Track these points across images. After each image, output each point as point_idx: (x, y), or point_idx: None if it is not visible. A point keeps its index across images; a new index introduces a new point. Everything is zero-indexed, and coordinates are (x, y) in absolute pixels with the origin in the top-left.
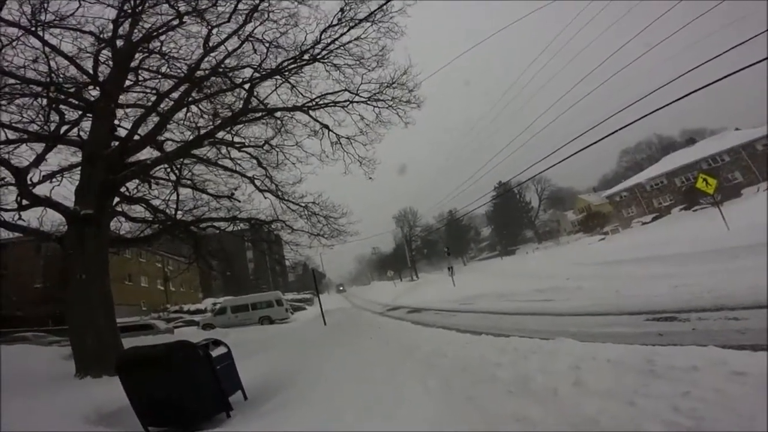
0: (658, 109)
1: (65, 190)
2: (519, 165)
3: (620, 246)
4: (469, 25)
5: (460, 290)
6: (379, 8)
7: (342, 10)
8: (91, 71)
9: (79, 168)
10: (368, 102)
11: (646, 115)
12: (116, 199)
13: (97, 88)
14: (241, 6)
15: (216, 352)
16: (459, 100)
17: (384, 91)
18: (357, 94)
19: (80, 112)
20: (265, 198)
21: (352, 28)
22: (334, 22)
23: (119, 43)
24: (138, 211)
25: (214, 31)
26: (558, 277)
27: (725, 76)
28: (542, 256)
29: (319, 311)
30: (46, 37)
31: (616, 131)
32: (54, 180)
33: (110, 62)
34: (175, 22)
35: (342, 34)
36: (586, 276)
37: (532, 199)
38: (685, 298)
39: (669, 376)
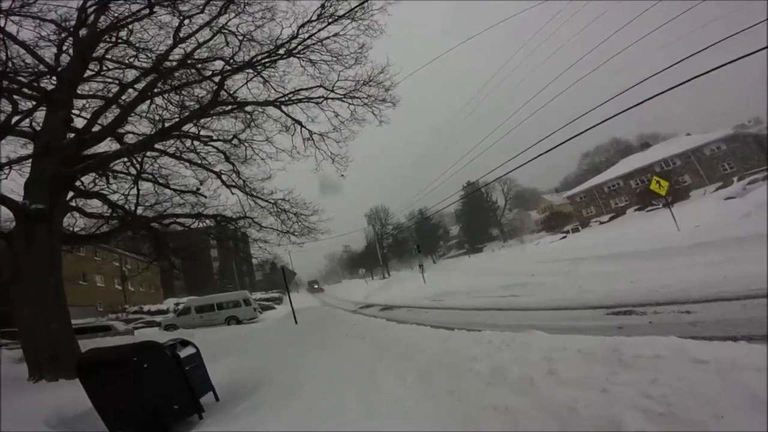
0: (615, 115)
1: (13, 184)
2: (486, 165)
3: (580, 244)
4: (445, 26)
5: (431, 287)
6: (359, 5)
7: (322, 6)
8: (49, 60)
9: (29, 160)
10: (343, 99)
11: (604, 121)
12: (70, 194)
13: (54, 77)
14: None
15: (184, 353)
16: (434, 100)
17: (360, 89)
18: (332, 91)
19: (34, 103)
20: (233, 194)
21: (331, 24)
22: (313, 18)
23: (82, 32)
24: (94, 206)
25: (186, 21)
26: (523, 274)
27: (678, 84)
28: (508, 253)
29: (289, 310)
30: (3, 24)
31: (577, 135)
32: (1, 173)
33: (71, 51)
34: (145, 12)
35: (320, 30)
36: (549, 273)
37: (498, 199)
38: (641, 293)
39: (636, 365)
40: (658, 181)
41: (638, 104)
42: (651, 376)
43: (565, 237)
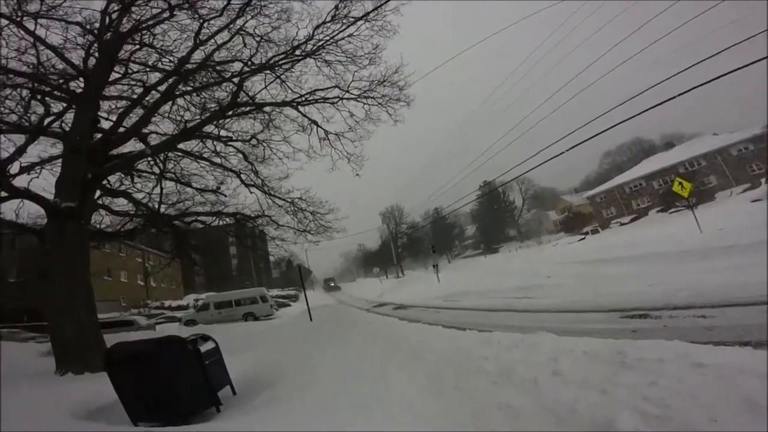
0: (639, 114)
1: (44, 183)
2: (504, 165)
3: (599, 246)
4: (461, 26)
5: (445, 287)
6: (374, 9)
7: (336, 7)
8: (76, 63)
9: (59, 160)
10: (358, 99)
11: (627, 119)
12: (98, 193)
13: (82, 79)
14: (234, 0)
15: (204, 347)
16: (448, 99)
17: (375, 89)
18: (347, 91)
19: (65, 105)
20: (251, 193)
21: (345, 25)
22: (328, 19)
23: (107, 35)
24: (120, 204)
25: (205, 24)
26: (539, 275)
27: (704, 83)
28: (524, 254)
29: (305, 307)
30: (33, 27)
31: (598, 134)
32: (33, 172)
33: (97, 54)
34: (166, 15)
35: (335, 31)
36: (566, 274)
37: (515, 199)
38: (659, 296)
39: (638, 367)
40: (680, 183)
41: (661, 103)
42: (651, 378)
43: (584, 238)
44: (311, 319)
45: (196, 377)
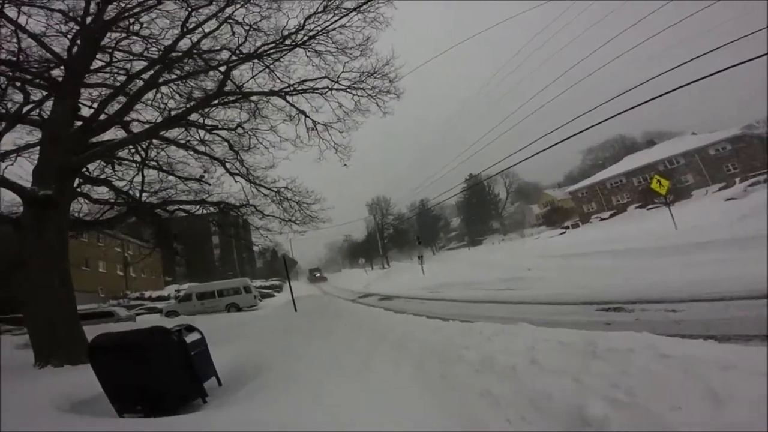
0: (621, 113)
1: (20, 171)
2: (490, 158)
3: (579, 240)
4: (454, 20)
5: (430, 279)
6: (367, 1)
7: None
8: (59, 51)
9: (37, 148)
10: (348, 90)
11: (609, 118)
12: (77, 181)
13: (62, 67)
14: None
15: (190, 338)
16: (438, 92)
17: (365, 80)
18: (337, 82)
19: (45, 93)
20: (236, 182)
21: (337, 15)
22: (320, 9)
23: (90, 21)
24: (100, 192)
25: (193, 13)
26: (521, 268)
27: (686, 84)
28: (507, 247)
29: (289, 298)
30: (16, 16)
31: (582, 131)
32: (8, 159)
33: (79, 41)
34: (153, 2)
35: (326, 22)
36: (547, 267)
37: (500, 192)
38: (633, 290)
39: (608, 358)
40: (658, 180)
41: (644, 102)
42: (620, 368)
43: (564, 232)
44: (296, 310)
45: (182, 368)
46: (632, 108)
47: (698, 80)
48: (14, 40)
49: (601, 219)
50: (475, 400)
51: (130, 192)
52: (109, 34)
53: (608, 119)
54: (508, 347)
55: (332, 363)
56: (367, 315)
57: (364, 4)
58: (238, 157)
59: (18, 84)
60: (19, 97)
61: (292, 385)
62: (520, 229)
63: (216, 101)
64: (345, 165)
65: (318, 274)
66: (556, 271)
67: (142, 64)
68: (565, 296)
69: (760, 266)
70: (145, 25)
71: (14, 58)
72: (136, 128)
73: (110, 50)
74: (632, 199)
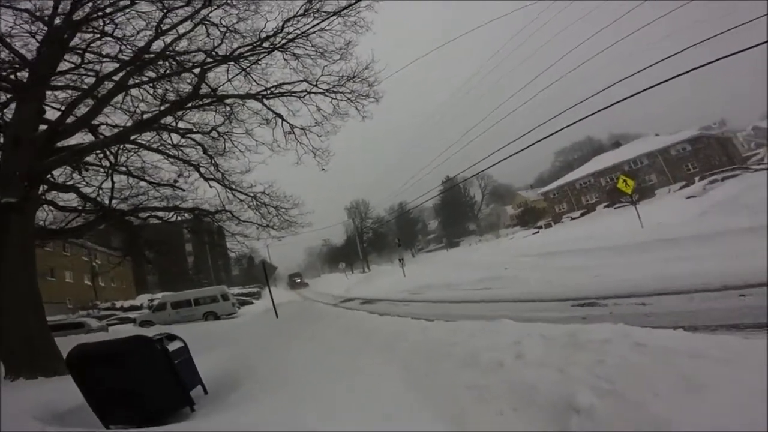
0: (588, 116)
1: None
2: (465, 161)
3: (552, 239)
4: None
5: (411, 281)
6: (348, 6)
7: (309, 0)
8: (23, 52)
9: None
10: (326, 94)
11: (577, 121)
12: (42, 187)
13: (26, 69)
14: None
15: (172, 347)
16: (416, 95)
17: (344, 84)
18: (316, 85)
19: (9, 95)
20: (211, 187)
21: (317, 19)
22: (300, 12)
23: (58, 21)
24: (67, 199)
25: (169, 14)
26: (497, 268)
27: (648, 88)
28: (484, 248)
29: (268, 305)
30: None
31: (552, 134)
32: None
33: (45, 41)
34: (126, 2)
35: (305, 25)
36: (522, 267)
37: (475, 194)
38: (605, 286)
39: (588, 348)
40: (624, 180)
41: (610, 106)
42: (599, 357)
43: (537, 232)
44: (277, 316)
45: (166, 377)
46: (600, 111)
47: (661, 83)
48: None
49: (572, 218)
50: (464, 395)
51: (99, 199)
52: (79, 34)
53: (577, 122)
54: (493, 343)
55: (319, 366)
56: (352, 318)
57: (345, 8)
58: (213, 162)
59: None
60: None
61: (280, 389)
62: (496, 230)
63: (190, 104)
64: (323, 169)
65: (298, 280)
66: (531, 269)
67: (113, 66)
68: (541, 294)
69: (720, 261)
70: (117, 25)
71: None
72: (104, 131)
73: (80, 51)
74: (600, 199)
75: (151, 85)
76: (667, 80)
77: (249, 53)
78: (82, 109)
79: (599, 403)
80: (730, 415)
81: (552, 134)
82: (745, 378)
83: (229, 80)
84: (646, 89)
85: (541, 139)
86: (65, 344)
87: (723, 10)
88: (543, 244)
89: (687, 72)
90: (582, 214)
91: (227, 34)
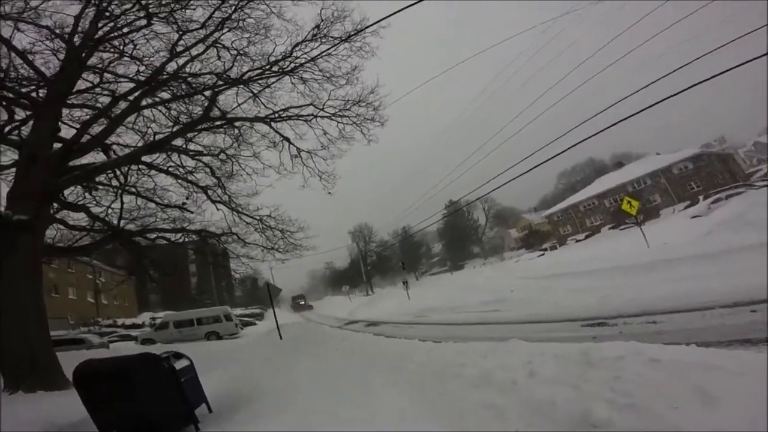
0: (590, 137)
1: None
2: (469, 185)
3: (557, 261)
4: (438, 49)
5: (415, 304)
6: (356, 32)
7: (317, 26)
8: (43, 69)
9: (12, 170)
10: (332, 117)
11: (579, 143)
12: (53, 206)
13: (45, 87)
14: (215, 14)
15: (179, 365)
16: (420, 119)
17: (350, 108)
18: (322, 109)
19: (28, 113)
20: (218, 209)
21: (325, 45)
22: (308, 38)
23: (77, 40)
24: (75, 218)
25: (183, 36)
26: (503, 290)
27: (648, 107)
28: (488, 270)
29: (271, 326)
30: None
31: (554, 156)
32: None
33: (64, 59)
34: (142, 23)
35: (313, 49)
36: (528, 289)
37: (479, 218)
38: (613, 306)
39: (602, 365)
40: (629, 201)
41: (611, 126)
42: (615, 373)
43: (543, 254)
44: (281, 338)
45: (173, 395)
46: (603, 130)
47: (662, 101)
48: None
49: (577, 240)
50: (479, 412)
51: (107, 218)
52: (96, 54)
53: (579, 143)
54: (505, 363)
55: (325, 386)
56: (358, 340)
57: (354, 35)
58: (221, 184)
59: (3, 103)
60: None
61: (286, 410)
62: (500, 252)
63: (200, 126)
64: (329, 193)
65: (302, 302)
66: (538, 291)
67: (128, 85)
68: (548, 315)
69: (728, 278)
70: (136, 46)
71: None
72: (116, 151)
73: (99, 70)
74: (605, 221)
75: (164, 106)
76: (666, 98)
77: (258, 77)
78: (95, 128)
79: (617, 416)
80: (746, 426)
81: (554, 156)
82: (759, 390)
83: (239, 105)
84: (647, 108)
85: (544, 162)
86: (65, 359)
87: (721, 22)
88: (549, 266)
89: (686, 89)
90: (587, 236)
91: (238, 57)
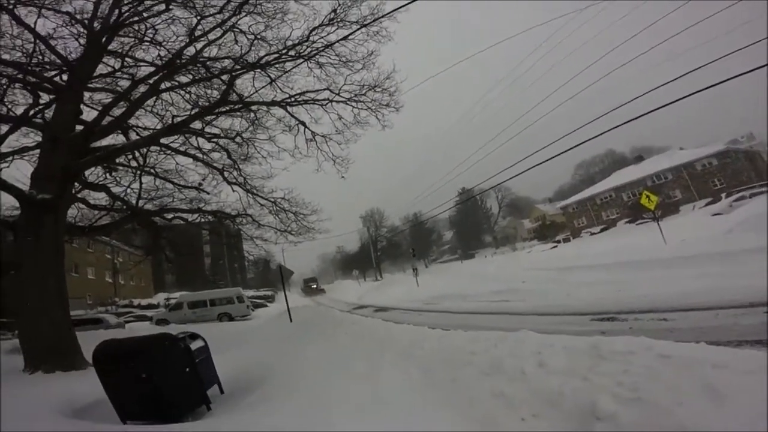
0: (610, 129)
1: (17, 173)
2: (483, 173)
3: (571, 254)
4: (454, 35)
5: (424, 291)
6: (375, 19)
7: (334, 10)
8: (65, 54)
9: (35, 151)
10: (348, 102)
11: (599, 135)
12: (76, 186)
13: (67, 71)
14: None
15: (194, 345)
16: (436, 106)
17: (365, 93)
18: (338, 94)
19: (51, 97)
20: (234, 191)
21: (341, 28)
22: (325, 22)
23: (96, 25)
24: (97, 198)
25: (202, 20)
26: (514, 281)
27: (673, 101)
28: (500, 260)
29: (282, 308)
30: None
31: (573, 147)
32: (4, 162)
33: (85, 44)
34: (161, 7)
35: (329, 34)
36: (540, 280)
37: (492, 206)
38: (625, 301)
39: (612, 358)
40: (647, 196)
41: (633, 119)
42: (624, 367)
43: (556, 246)
44: (291, 320)
45: (187, 375)
46: (622, 124)
47: (687, 96)
48: (20, 42)
49: (592, 233)
50: (488, 400)
51: (126, 198)
52: (116, 38)
53: (598, 135)
54: (515, 352)
55: (337, 371)
56: (367, 325)
57: (372, 22)
58: (237, 166)
59: (28, 87)
60: (17, 98)
61: (296, 393)
62: (512, 243)
63: (218, 110)
64: (343, 177)
65: (314, 285)
66: (549, 283)
67: (147, 69)
68: (559, 307)
69: (745, 279)
70: (155, 31)
71: (24, 60)
72: (134, 134)
73: (120, 55)
74: (621, 215)
75: (183, 89)
76: (691, 94)
77: (275, 61)
78: (115, 111)
79: (622, 410)
80: (754, 424)
81: (573, 147)
82: (765, 389)
83: (256, 90)
84: (670, 103)
85: (562, 153)
86: (83, 339)
87: (755, 18)
88: (562, 258)
89: (713, 86)
90: (602, 230)
91: (255, 42)
